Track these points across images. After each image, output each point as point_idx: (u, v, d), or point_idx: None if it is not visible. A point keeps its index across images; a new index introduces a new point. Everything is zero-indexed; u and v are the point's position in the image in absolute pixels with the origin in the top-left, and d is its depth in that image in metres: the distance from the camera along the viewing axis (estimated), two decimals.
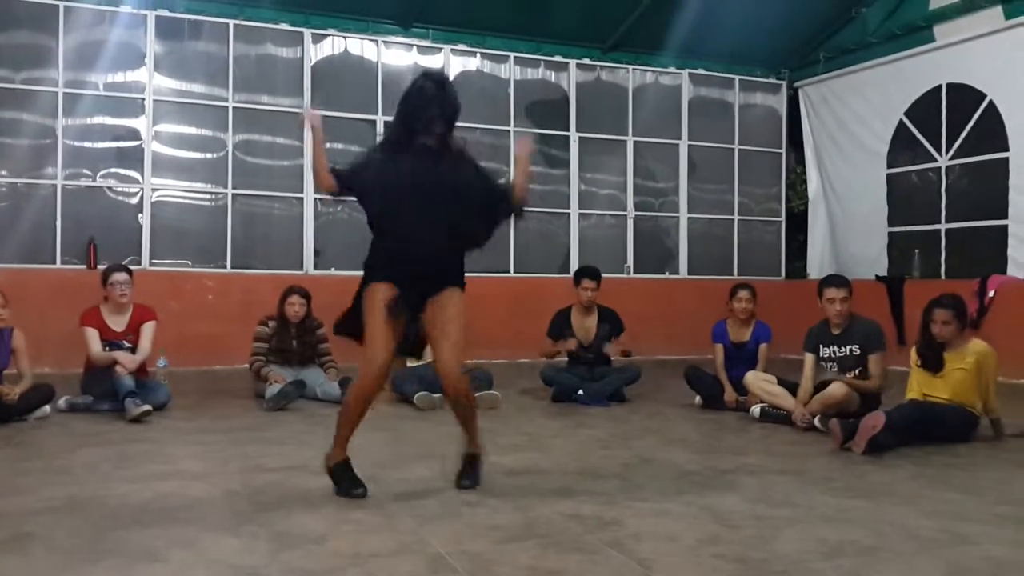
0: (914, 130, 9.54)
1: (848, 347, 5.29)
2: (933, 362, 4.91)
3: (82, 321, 5.75)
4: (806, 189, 11.01)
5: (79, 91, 8.34)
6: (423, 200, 3.51)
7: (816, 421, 5.14)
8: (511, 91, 9.90)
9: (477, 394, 6.02)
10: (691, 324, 9.02)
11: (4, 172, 8.18)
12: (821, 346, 5.42)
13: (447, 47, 9.68)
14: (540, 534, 2.99)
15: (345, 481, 3.52)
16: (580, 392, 6.27)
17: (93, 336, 5.71)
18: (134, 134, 8.58)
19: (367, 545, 2.83)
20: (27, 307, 6.39)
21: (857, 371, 5.25)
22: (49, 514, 3.19)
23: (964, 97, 8.94)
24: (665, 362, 8.96)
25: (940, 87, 9.20)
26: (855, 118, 10.24)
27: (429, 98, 3.52)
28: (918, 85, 9.43)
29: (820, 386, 5.29)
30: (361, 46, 9.42)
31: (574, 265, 9.34)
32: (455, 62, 9.74)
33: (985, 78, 8.69)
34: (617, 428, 5.29)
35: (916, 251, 9.45)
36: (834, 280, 5.47)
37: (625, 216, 10.43)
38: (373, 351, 3.53)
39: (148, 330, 5.86)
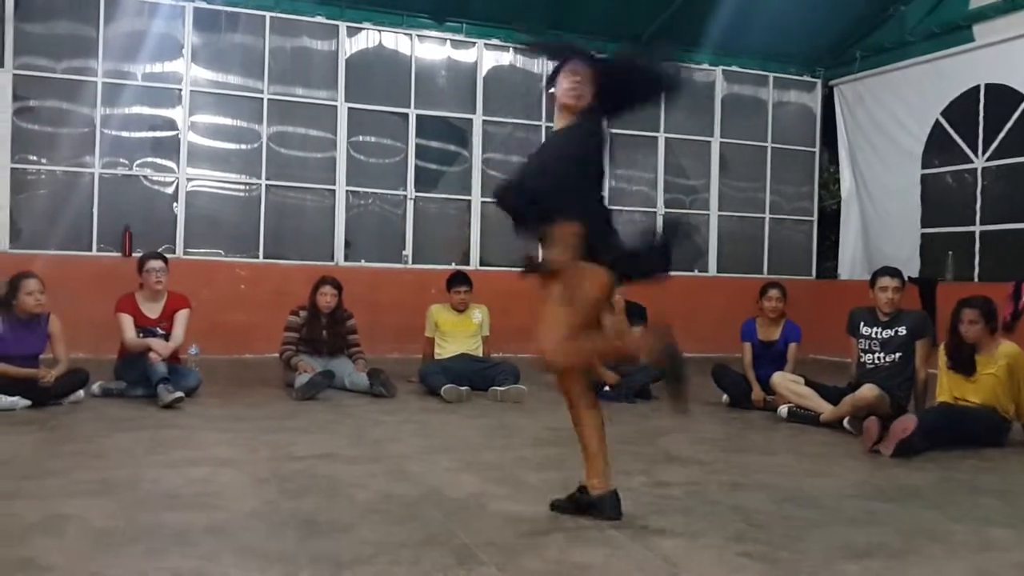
0: (950, 131, 9.42)
1: (895, 328, 5.27)
2: (963, 364, 4.85)
3: (117, 308, 5.84)
4: (839, 188, 10.90)
5: (118, 81, 8.47)
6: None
7: (845, 422, 5.11)
8: (544, 86, 9.90)
9: (503, 388, 6.11)
10: (720, 322, 8.97)
11: (44, 160, 8.33)
12: (863, 325, 5.39)
13: (480, 41, 9.69)
14: (566, 528, 3.00)
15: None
16: (606, 388, 6.27)
17: (127, 322, 5.80)
18: (171, 124, 8.70)
19: (395, 535, 2.86)
20: (63, 293, 6.48)
21: (898, 356, 5.22)
22: (83, 497, 3.25)
23: (1002, 98, 8.80)
24: (692, 360, 8.89)
25: (978, 87, 9.07)
26: (890, 117, 10.12)
27: None
28: (955, 85, 9.30)
29: (851, 388, 5.26)
30: (395, 40, 9.46)
31: None
32: (488, 57, 9.75)
33: None
34: (643, 425, 5.28)
35: (950, 253, 9.34)
36: (889, 269, 5.48)
37: (655, 213, 10.39)
38: None
39: (182, 318, 5.94)
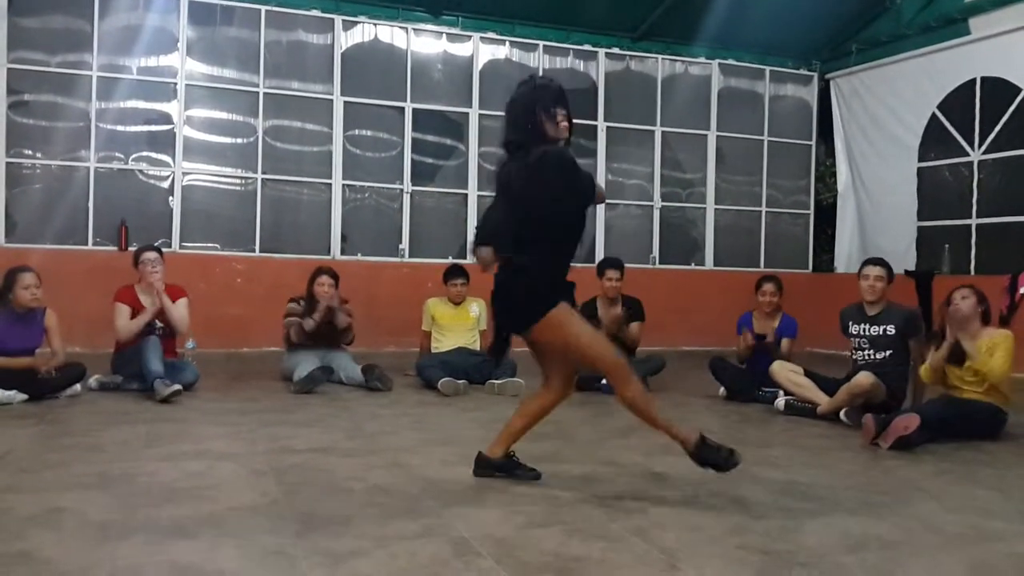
0: (947, 124, 9.42)
1: (883, 327, 5.25)
2: (952, 352, 4.84)
3: (116, 297, 5.84)
4: (835, 182, 10.90)
5: (113, 75, 8.44)
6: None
7: (842, 414, 5.12)
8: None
9: (500, 382, 6.11)
10: (716, 316, 9.00)
11: (39, 154, 8.30)
12: (852, 323, 5.39)
13: (476, 35, 9.67)
14: (564, 521, 3.01)
15: (717, 451, 3.40)
16: (603, 381, 6.26)
17: (121, 312, 5.78)
18: (166, 118, 8.67)
19: (392, 528, 2.86)
20: (60, 287, 6.46)
21: (888, 352, 5.22)
22: (80, 490, 3.25)
23: (999, 91, 8.81)
24: (689, 353, 8.93)
25: (974, 80, 9.07)
26: (887, 111, 10.13)
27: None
28: (952, 78, 9.30)
29: (848, 380, 5.27)
30: (391, 33, 9.43)
31: (599, 255, 9.32)
32: (484, 50, 9.73)
33: (1021, 72, 8.55)
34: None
35: (946, 246, 9.35)
36: (874, 259, 5.49)
37: (652, 206, 10.39)
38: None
39: (182, 304, 5.91)
